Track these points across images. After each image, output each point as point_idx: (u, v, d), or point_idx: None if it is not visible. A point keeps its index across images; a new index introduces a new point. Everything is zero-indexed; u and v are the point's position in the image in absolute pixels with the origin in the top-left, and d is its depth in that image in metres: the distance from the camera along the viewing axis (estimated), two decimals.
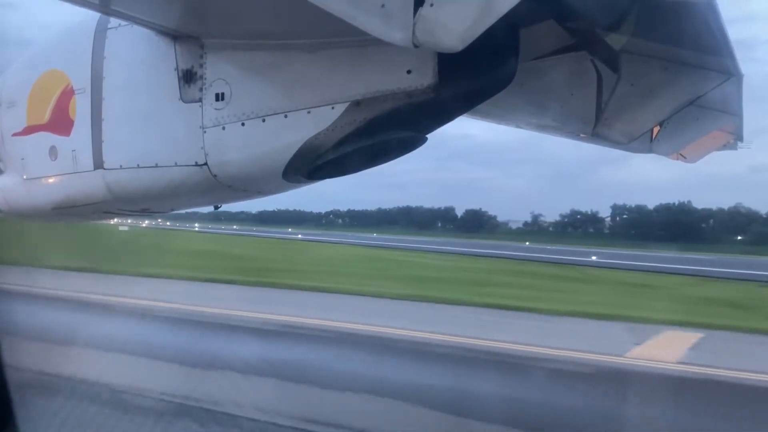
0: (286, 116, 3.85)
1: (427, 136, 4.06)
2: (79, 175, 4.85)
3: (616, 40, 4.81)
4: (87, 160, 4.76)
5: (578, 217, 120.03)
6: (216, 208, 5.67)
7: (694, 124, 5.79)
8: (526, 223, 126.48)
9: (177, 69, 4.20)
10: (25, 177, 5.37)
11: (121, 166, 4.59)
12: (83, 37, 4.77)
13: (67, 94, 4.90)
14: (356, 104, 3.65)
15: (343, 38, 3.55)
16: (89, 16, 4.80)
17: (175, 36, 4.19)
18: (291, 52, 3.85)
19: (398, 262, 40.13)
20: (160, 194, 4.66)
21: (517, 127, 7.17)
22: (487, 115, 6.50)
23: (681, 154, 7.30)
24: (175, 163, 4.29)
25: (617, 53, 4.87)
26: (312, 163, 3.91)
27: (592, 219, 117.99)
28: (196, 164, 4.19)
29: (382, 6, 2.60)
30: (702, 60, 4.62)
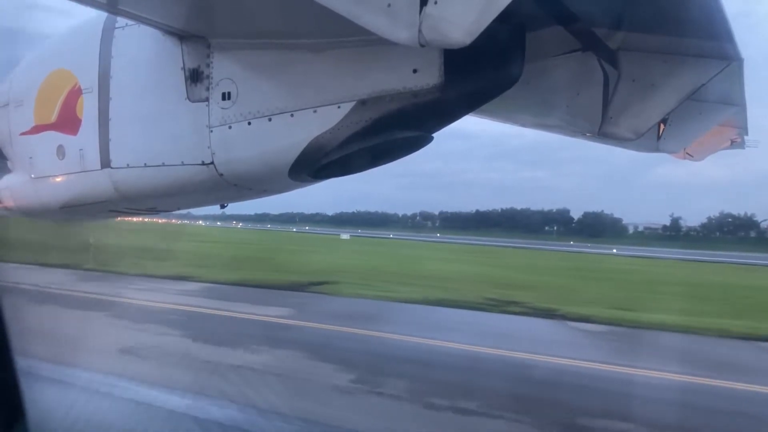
0: (292, 115, 3.86)
1: (433, 135, 4.07)
2: (87, 174, 4.88)
3: (619, 39, 4.81)
4: (94, 159, 4.78)
5: (729, 220, 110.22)
6: (222, 207, 5.69)
7: (699, 119, 5.80)
8: (664, 227, 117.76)
9: (184, 68, 4.22)
10: (32, 176, 5.41)
11: (128, 165, 4.61)
12: (90, 37, 4.80)
13: (75, 93, 4.93)
14: (362, 103, 3.66)
15: (349, 38, 3.56)
16: (97, 16, 4.83)
17: (182, 36, 4.21)
18: (297, 51, 3.86)
19: None
20: (166, 193, 4.68)
21: (523, 126, 7.17)
22: (493, 115, 6.50)
23: (688, 153, 7.30)
24: (182, 162, 4.31)
25: (619, 51, 4.88)
26: (318, 162, 3.93)
27: (746, 223, 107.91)
28: (203, 163, 4.21)
29: (389, 5, 2.62)
30: (701, 48, 4.60)
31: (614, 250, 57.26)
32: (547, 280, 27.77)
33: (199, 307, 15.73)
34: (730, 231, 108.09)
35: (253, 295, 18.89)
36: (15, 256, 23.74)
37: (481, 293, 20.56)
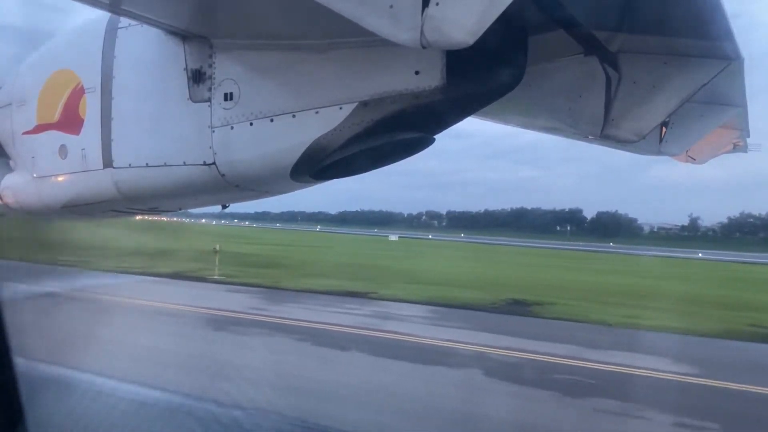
0: (294, 116, 3.86)
1: (435, 137, 4.06)
2: (89, 174, 4.88)
3: (619, 42, 4.81)
4: (96, 158, 4.79)
5: (750, 221, 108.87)
6: (224, 207, 5.69)
7: (700, 121, 5.80)
8: (682, 227, 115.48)
9: (186, 69, 4.23)
10: (35, 175, 5.41)
11: (130, 164, 4.62)
12: (93, 37, 4.80)
13: (77, 93, 4.93)
14: (364, 105, 3.66)
15: (352, 39, 3.56)
16: (99, 16, 4.84)
17: (184, 36, 4.22)
18: (299, 52, 3.86)
19: None
20: (168, 193, 4.69)
21: (524, 128, 7.17)
22: (494, 117, 6.50)
23: (690, 156, 7.29)
24: (184, 163, 4.31)
25: (620, 54, 4.88)
26: (319, 163, 3.92)
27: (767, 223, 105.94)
28: (205, 163, 4.21)
29: (390, 7, 2.62)
30: (701, 48, 4.59)
31: (700, 254, 55.50)
32: (727, 293, 25.30)
33: (514, 350, 12.66)
34: (751, 231, 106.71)
35: (500, 323, 15.90)
36: (129, 264, 21.95)
37: (715, 315, 17.94)
